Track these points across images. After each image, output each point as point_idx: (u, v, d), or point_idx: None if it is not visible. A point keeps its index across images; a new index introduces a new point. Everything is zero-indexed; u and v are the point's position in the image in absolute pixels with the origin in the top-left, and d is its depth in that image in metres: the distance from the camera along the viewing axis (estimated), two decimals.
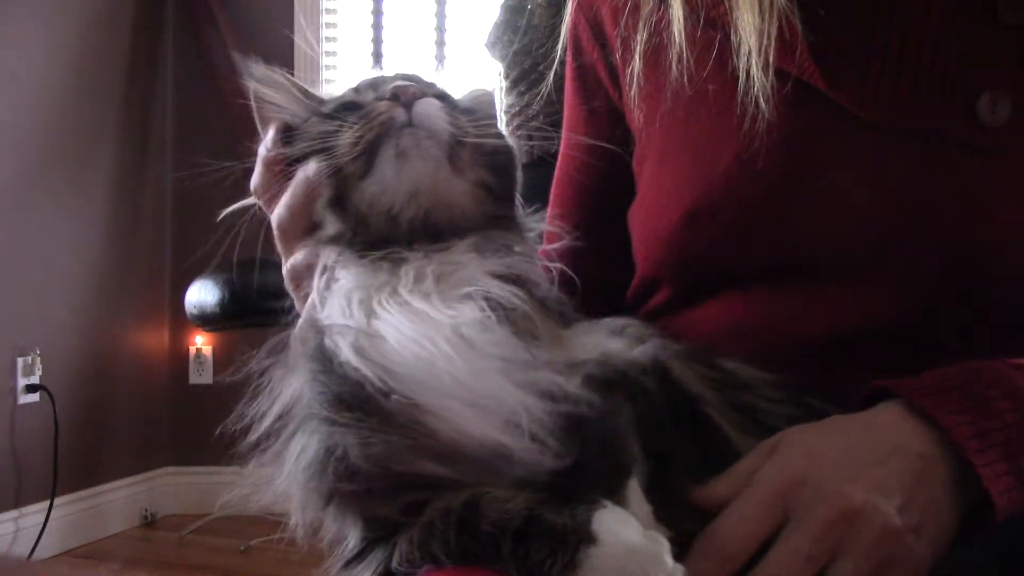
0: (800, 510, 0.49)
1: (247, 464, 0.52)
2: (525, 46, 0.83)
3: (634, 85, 0.74)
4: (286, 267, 0.62)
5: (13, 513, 2.38)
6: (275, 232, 0.63)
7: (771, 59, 0.64)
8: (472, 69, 2.89)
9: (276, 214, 0.62)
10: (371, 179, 0.58)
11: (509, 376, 0.48)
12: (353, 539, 0.52)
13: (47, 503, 2.43)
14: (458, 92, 0.66)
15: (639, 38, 0.74)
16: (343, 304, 0.53)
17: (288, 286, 0.63)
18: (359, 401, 0.48)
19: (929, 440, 0.52)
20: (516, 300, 0.53)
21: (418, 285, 0.53)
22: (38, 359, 2.45)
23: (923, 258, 0.63)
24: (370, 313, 0.52)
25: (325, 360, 0.51)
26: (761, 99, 0.64)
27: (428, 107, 0.59)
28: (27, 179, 2.48)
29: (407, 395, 0.47)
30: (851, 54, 0.66)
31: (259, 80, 0.64)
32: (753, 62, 0.65)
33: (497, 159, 0.62)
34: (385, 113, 0.58)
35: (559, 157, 0.86)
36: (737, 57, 0.66)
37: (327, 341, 0.51)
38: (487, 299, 0.52)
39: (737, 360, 0.59)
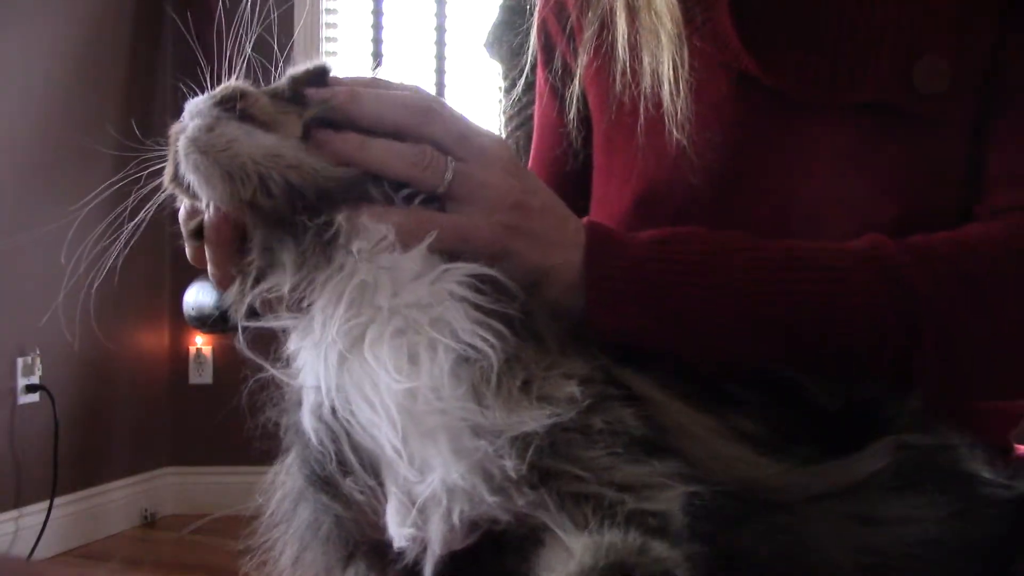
0: None
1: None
2: (525, 46, 0.83)
3: (584, 74, 0.74)
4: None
5: (13, 513, 2.38)
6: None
7: (682, 54, 0.65)
8: (472, 69, 2.91)
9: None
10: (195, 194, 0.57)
11: (461, 451, 0.44)
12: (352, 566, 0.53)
13: (47, 503, 2.43)
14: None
15: (587, 26, 0.73)
16: (314, 364, 0.50)
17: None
18: (323, 481, 0.48)
19: None
20: (486, 348, 0.46)
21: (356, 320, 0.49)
22: (38, 359, 2.45)
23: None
24: (328, 370, 0.48)
25: (300, 434, 0.50)
26: (668, 99, 0.65)
27: (189, 103, 0.59)
28: (27, 179, 2.48)
29: (364, 478, 0.47)
30: (784, 37, 0.65)
31: None
32: (664, 71, 0.65)
33: (310, 76, 0.61)
34: (173, 135, 0.59)
35: (531, 150, 0.84)
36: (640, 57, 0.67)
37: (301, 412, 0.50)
38: (452, 344, 0.47)
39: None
